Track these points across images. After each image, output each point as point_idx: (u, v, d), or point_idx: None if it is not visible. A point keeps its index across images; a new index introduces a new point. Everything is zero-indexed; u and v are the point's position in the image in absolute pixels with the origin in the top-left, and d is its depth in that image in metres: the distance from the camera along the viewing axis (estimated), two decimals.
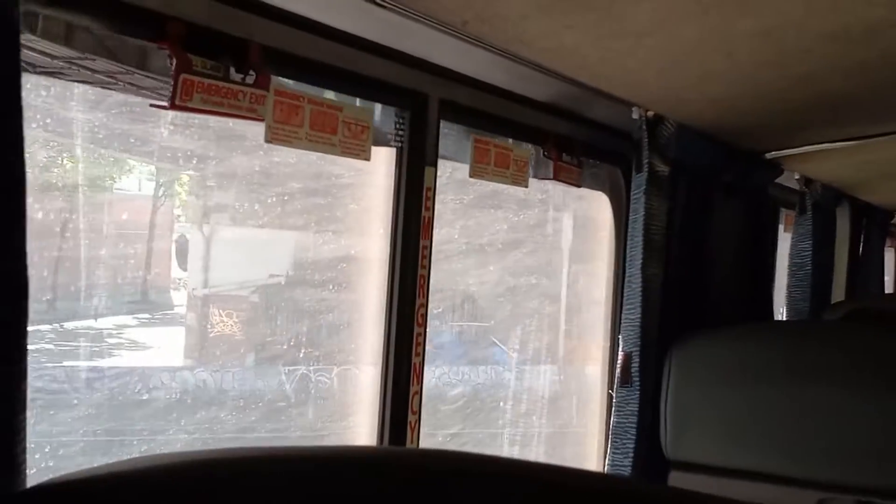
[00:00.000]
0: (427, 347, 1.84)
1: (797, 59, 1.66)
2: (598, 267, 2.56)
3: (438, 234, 1.78)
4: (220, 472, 0.78)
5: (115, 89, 1.33)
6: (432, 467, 0.76)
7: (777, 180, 2.87)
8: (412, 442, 1.75)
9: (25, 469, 0.88)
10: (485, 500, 0.72)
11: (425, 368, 1.77)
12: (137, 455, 0.84)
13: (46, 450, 1.97)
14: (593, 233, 2.55)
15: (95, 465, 0.81)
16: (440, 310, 1.92)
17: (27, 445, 0.89)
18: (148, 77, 1.30)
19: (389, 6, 1.33)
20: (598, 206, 2.47)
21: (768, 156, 2.62)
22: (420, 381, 1.74)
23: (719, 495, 0.76)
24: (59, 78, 1.24)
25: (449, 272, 1.85)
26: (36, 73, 1.20)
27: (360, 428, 1.77)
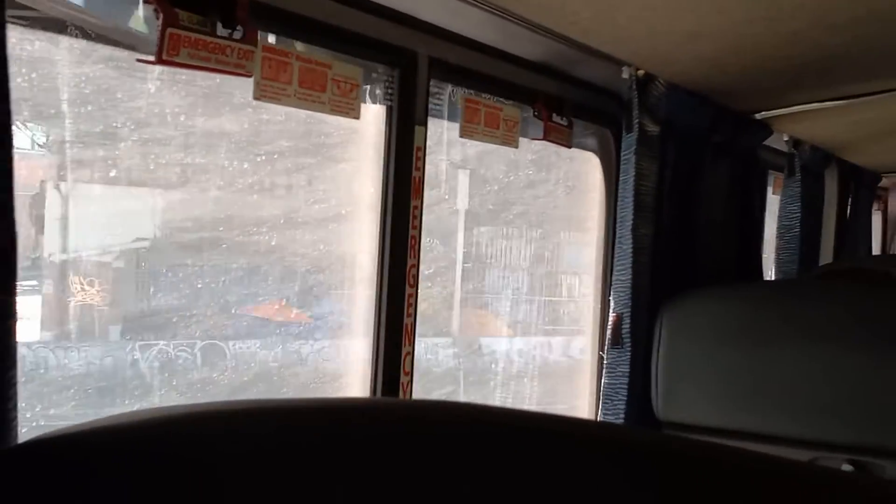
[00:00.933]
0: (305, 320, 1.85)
1: (789, 14, 1.65)
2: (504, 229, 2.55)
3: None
4: (215, 424, 0.78)
5: (99, 43, 1.31)
6: (429, 417, 0.76)
7: (766, 143, 2.86)
8: None
9: (17, 424, 0.88)
10: (481, 449, 0.72)
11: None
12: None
13: None
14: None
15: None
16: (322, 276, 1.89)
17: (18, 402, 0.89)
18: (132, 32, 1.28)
19: None
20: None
21: (758, 116, 2.61)
22: (412, 342, 1.74)
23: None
24: (43, 31, 1.22)
25: (337, 233, 1.83)
26: (21, 25, 1.18)
27: (352, 388, 1.76)
